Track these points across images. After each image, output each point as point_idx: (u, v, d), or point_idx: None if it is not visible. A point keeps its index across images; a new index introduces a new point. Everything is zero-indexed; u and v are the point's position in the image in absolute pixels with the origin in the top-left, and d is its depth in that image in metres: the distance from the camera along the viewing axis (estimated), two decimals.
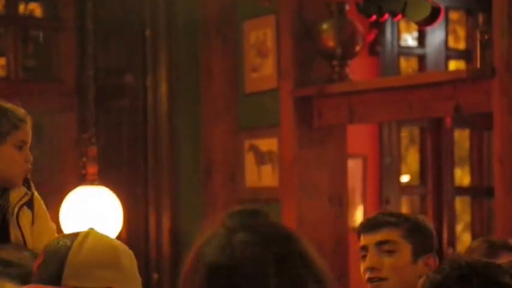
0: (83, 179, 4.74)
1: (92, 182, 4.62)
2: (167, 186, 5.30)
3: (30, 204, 2.54)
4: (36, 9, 5.41)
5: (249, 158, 5.12)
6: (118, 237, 4.94)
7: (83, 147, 4.52)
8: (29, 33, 5.35)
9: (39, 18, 5.44)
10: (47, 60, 5.41)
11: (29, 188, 2.56)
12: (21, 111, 2.53)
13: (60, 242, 2.06)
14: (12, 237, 2.49)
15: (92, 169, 4.63)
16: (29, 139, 2.53)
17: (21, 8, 5.24)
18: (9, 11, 5.16)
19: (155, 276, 5.13)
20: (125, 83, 5.36)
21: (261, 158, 5.06)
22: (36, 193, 2.58)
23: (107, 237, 2.11)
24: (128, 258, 2.07)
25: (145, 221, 5.31)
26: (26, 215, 2.52)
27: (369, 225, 2.51)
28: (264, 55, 5.05)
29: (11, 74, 5.13)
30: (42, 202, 2.60)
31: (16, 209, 2.50)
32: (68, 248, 2.02)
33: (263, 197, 4.95)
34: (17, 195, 2.52)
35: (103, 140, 5.07)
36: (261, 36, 5.06)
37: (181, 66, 5.35)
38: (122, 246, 2.11)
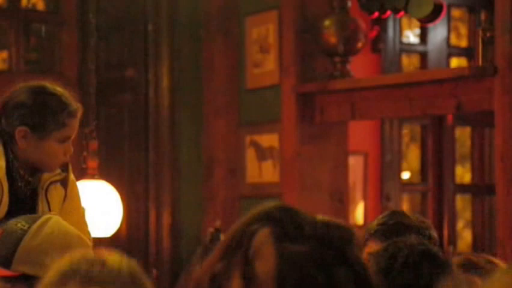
0: (83, 173, 4.74)
1: (92, 176, 4.61)
2: (168, 181, 5.30)
3: (64, 182, 2.63)
4: (39, 3, 5.40)
5: (250, 154, 5.12)
6: (118, 232, 4.95)
7: (84, 141, 4.51)
8: (31, 26, 5.35)
9: (41, 11, 5.43)
10: (49, 53, 5.41)
11: (65, 170, 2.64)
12: (74, 106, 2.58)
13: (19, 224, 2.06)
14: (40, 210, 2.57)
15: (92, 163, 4.63)
16: (75, 132, 2.59)
17: (24, 1, 5.24)
18: (11, 5, 5.16)
19: (154, 271, 5.13)
20: (126, 77, 5.36)
21: (262, 154, 5.06)
22: (72, 176, 2.66)
23: (66, 225, 2.11)
24: (84, 248, 2.06)
25: (145, 216, 5.31)
26: (58, 191, 2.62)
27: (389, 232, 2.40)
28: (266, 51, 5.05)
29: (13, 67, 5.13)
30: (76, 186, 2.70)
31: (46, 184, 2.59)
32: (24, 232, 2.02)
33: (264, 193, 4.95)
34: (49, 174, 2.60)
35: (104, 134, 5.07)
36: (263, 31, 5.05)
37: (183, 61, 5.35)
38: (79, 237, 2.10)
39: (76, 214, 2.68)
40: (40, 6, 5.43)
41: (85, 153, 4.55)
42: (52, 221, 2.09)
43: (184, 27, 5.34)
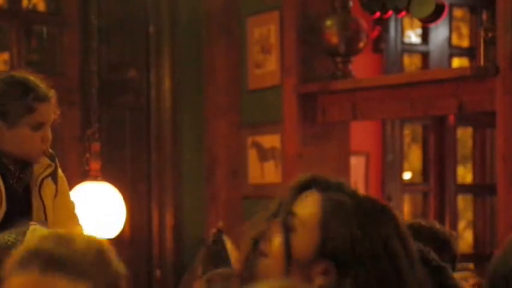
0: (86, 175, 4.74)
1: (95, 178, 4.61)
2: (171, 182, 5.30)
3: (54, 177, 2.60)
4: (40, 4, 5.39)
5: (252, 155, 5.11)
6: (121, 234, 4.94)
7: (87, 143, 4.51)
8: (32, 28, 5.34)
9: (42, 13, 5.42)
10: (50, 55, 5.40)
11: (52, 160, 2.60)
12: (42, 90, 2.53)
13: (6, 237, 2.04)
14: (34, 207, 2.55)
15: (95, 165, 4.62)
16: (48, 119, 2.53)
17: (25, 2, 5.23)
18: (12, 6, 5.15)
19: (158, 272, 5.12)
20: (128, 79, 5.35)
21: (264, 155, 5.05)
22: (60, 170, 2.63)
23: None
24: None
25: (148, 218, 5.30)
26: (49, 186, 2.59)
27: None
28: (267, 51, 5.04)
29: (15, 69, 5.12)
30: (65, 179, 2.67)
31: (39, 180, 2.56)
32: (13, 245, 2.01)
33: (266, 193, 4.95)
34: (40, 167, 2.57)
35: (106, 136, 5.07)
36: (265, 32, 5.05)
37: (185, 62, 5.35)
38: None
39: (67, 209, 2.66)
40: (41, 7, 5.42)
41: (87, 155, 4.55)
42: (37, 231, 2.08)
43: (185, 28, 5.33)
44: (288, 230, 1.45)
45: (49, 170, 2.58)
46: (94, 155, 4.50)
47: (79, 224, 2.69)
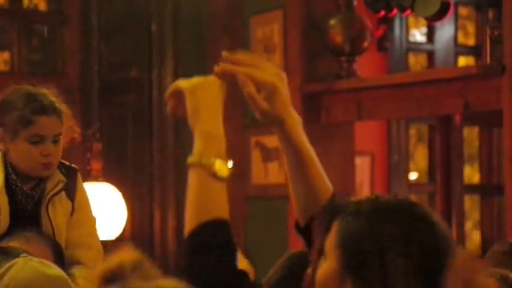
0: (87, 176, 4.70)
1: (96, 179, 4.58)
2: (173, 183, 5.26)
3: (70, 194, 2.52)
4: (41, 3, 5.38)
5: (255, 155, 5.08)
6: (123, 235, 4.90)
7: (88, 143, 4.47)
8: (33, 27, 5.32)
9: (43, 12, 5.40)
10: (51, 54, 5.38)
11: (69, 175, 2.53)
12: (43, 103, 2.46)
13: None
14: (43, 226, 2.48)
15: (96, 165, 4.60)
16: (50, 132, 2.46)
17: (26, 1, 5.21)
18: (13, 5, 5.13)
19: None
20: (130, 78, 5.32)
21: (268, 155, 5.02)
22: (80, 185, 2.55)
23: (33, 268, 2.04)
24: None
25: (150, 219, 5.27)
26: (63, 204, 2.51)
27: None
28: (270, 51, 5.01)
29: (15, 68, 5.11)
30: (86, 195, 2.58)
31: (47, 199, 2.48)
32: None
33: (270, 194, 4.91)
34: (52, 183, 2.50)
35: (108, 136, 5.04)
36: (268, 31, 5.01)
37: (187, 61, 5.31)
38: (52, 277, 2.03)
39: (86, 227, 2.57)
40: (42, 6, 5.40)
41: (88, 155, 4.52)
42: (14, 268, 2.02)
43: (188, 27, 5.30)
44: (319, 253, 1.61)
45: (59, 187, 2.50)
46: (95, 155, 4.47)
47: (97, 244, 2.59)
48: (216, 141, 1.75)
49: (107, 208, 4.67)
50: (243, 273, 1.65)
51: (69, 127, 2.53)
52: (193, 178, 1.70)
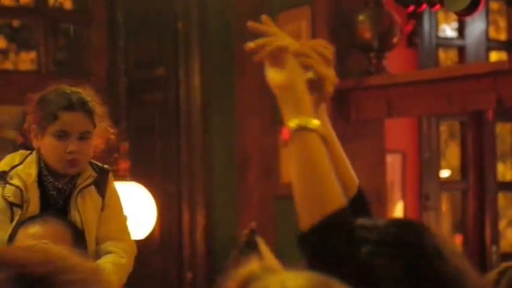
0: (114, 175, 4.68)
1: (124, 178, 4.57)
2: (201, 182, 5.24)
3: (101, 190, 2.59)
4: (66, 2, 5.39)
5: (285, 153, 5.03)
6: (151, 235, 4.88)
7: (115, 142, 4.46)
8: (59, 26, 5.33)
9: (69, 11, 5.41)
10: (78, 53, 5.39)
11: (101, 173, 2.60)
12: (69, 100, 2.53)
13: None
14: (72, 218, 2.55)
15: (124, 165, 4.59)
16: (72, 128, 2.52)
17: (51, 0, 5.23)
18: (39, 4, 5.15)
19: (189, 275, 5.06)
20: (157, 77, 5.31)
21: None
22: (112, 183, 2.63)
23: None
24: None
25: (179, 218, 5.25)
26: (93, 198, 2.57)
27: None
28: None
29: (42, 68, 5.12)
30: (117, 194, 2.65)
31: (76, 192, 2.55)
32: None
33: None
34: (82, 178, 2.57)
35: (135, 135, 5.03)
36: (296, 28, 4.97)
37: (214, 58, 5.29)
38: None
39: (116, 222, 2.63)
40: (68, 5, 5.41)
41: (115, 155, 4.50)
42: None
43: (215, 24, 5.28)
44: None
45: (89, 180, 2.57)
46: (122, 154, 4.47)
47: (130, 237, 2.66)
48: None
49: (135, 208, 4.65)
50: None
51: (103, 128, 2.60)
52: (303, 146, 1.57)
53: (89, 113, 2.54)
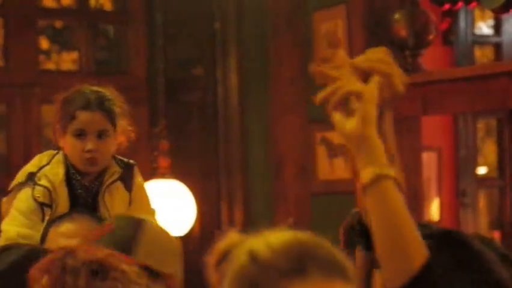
0: (154, 173, 4.75)
1: (164, 176, 4.63)
2: (239, 180, 5.28)
3: (127, 185, 2.60)
4: (106, 3, 5.44)
5: (321, 151, 5.06)
6: (191, 232, 4.94)
7: (155, 140, 4.52)
8: (99, 27, 5.38)
9: (109, 11, 5.47)
10: (117, 53, 5.44)
11: (126, 168, 2.61)
12: (87, 99, 2.53)
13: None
14: (102, 215, 2.56)
15: (164, 162, 4.64)
16: (89, 127, 2.53)
17: (92, 1, 5.29)
18: (80, 5, 5.21)
19: None
20: (195, 76, 5.35)
21: (333, 151, 5.00)
22: (139, 179, 2.63)
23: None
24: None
25: (217, 215, 5.29)
26: (120, 194, 2.59)
27: None
28: (334, 46, 4.99)
29: (83, 68, 5.18)
30: (143, 186, 2.66)
31: (103, 189, 2.57)
32: (139, 224, 2.04)
33: (336, 190, 4.89)
34: (109, 174, 2.59)
35: (174, 133, 5.07)
36: (332, 27, 4.99)
37: (251, 57, 5.32)
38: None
39: (146, 215, 2.59)
40: (108, 6, 5.46)
41: (155, 153, 4.57)
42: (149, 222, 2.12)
43: (251, 23, 5.31)
44: None
45: (115, 176, 2.58)
46: (162, 152, 4.52)
47: None
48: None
49: (175, 205, 4.71)
50: None
51: (123, 126, 2.59)
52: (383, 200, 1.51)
53: (107, 112, 2.54)
